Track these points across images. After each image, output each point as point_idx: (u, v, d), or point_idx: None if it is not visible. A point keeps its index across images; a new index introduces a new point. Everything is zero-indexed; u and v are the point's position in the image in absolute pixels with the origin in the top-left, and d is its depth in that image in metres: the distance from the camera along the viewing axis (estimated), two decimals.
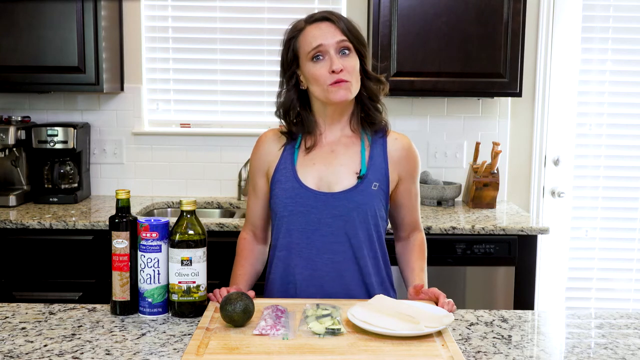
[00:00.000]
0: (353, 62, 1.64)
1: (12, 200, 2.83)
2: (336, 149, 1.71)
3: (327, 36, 1.62)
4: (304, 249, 1.68)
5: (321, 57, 1.63)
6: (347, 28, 1.64)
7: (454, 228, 2.59)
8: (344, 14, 3.11)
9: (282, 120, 1.76)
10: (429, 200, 3.01)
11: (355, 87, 1.65)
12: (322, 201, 1.66)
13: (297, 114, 1.73)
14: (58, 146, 2.92)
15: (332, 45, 1.62)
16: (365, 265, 1.70)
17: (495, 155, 2.96)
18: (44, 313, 1.54)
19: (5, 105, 3.16)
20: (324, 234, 1.67)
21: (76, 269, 2.61)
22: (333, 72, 1.61)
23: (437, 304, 1.56)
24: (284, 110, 1.74)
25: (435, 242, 2.57)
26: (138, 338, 1.40)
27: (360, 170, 1.68)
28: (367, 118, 1.72)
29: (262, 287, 1.79)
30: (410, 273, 1.77)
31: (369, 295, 1.69)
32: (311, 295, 1.66)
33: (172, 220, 1.56)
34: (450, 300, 1.56)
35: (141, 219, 1.54)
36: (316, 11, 3.11)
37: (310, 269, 1.68)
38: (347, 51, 1.64)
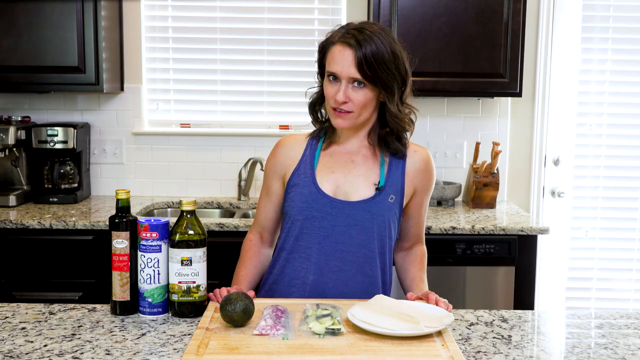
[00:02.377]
0: (363, 96, 1.61)
1: (12, 200, 2.83)
2: (356, 159, 1.72)
3: (343, 66, 1.59)
4: (313, 254, 1.68)
5: (336, 79, 1.62)
6: (367, 61, 1.57)
7: (454, 228, 2.59)
8: (343, 14, 3.13)
9: (310, 115, 1.77)
10: (429, 200, 3.01)
11: (361, 118, 1.65)
12: (338, 209, 1.67)
13: (324, 115, 1.75)
14: (58, 146, 2.92)
15: (345, 77, 1.60)
16: (372, 275, 1.70)
17: (495, 155, 2.96)
18: (44, 313, 1.54)
19: (5, 105, 3.16)
20: (335, 242, 1.67)
21: (76, 269, 2.61)
22: (336, 100, 1.61)
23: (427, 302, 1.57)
24: (310, 105, 1.76)
25: (435, 242, 2.56)
26: (138, 338, 1.40)
27: (379, 181, 1.68)
28: (385, 141, 1.70)
29: (259, 286, 1.79)
30: (410, 283, 1.77)
31: None
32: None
33: (172, 220, 1.56)
34: (445, 300, 1.57)
35: (141, 219, 1.54)
36: (316, 12, 3.15)
37: (316, 274, 1.68)
38: (361, 84, 1.60)
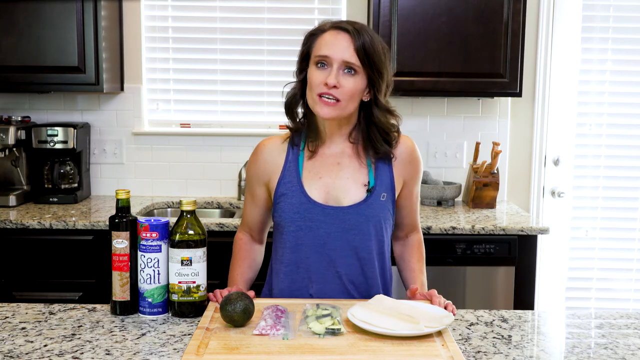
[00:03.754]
0: (354, 84, 1.57)
1: (12, 200, 2.83)
2: (342, 161, 1.68)
3: (337, 49, 1.56)
4: (312, 264, 1.66)
5: (325, 66, 1.58)
6: (365, 48, 1.55)
7: (454, 228, 2.58)
8: (343, 14, 3.13)
9: (287, 115, 1.71)
10: (429, 200, 3.01)
11: (347, 109, 1.60)
12: (331, 215, 1.64)
13: (303, 115, 1.70)
14: (58, 146, 2.92)
15: (338, 61, 1.56)
16: (373, 277, 1.70)
17: (495, 155, 2.96)
18: (44, 313, 1.54)
19: (5, 105, 3.16)
20: (333, 248, 1.65)
21: (76, 269, 2.61)
22: (326, 84, 1.56)
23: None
24: (287, 103, 1.69)
25: (435, 242, 2.57)
26: (138, 338, 1.40)
27: (369, 182, 1.66)
28: (370, 143, 1.66)
29: (260, 288, 1.79)
30: (410, 274, 1.76)
31: None
32: None
33: (172, 220, 1.56)
34: (449, 301, 1.56)
35: (141, 219, 1.54)
36: (316, 12, 3.16)
37: (319, 282, 1.67)
38: (353, 71, 1.57)
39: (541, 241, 2.89)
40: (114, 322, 1.49)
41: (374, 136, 1.65)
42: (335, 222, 1.64)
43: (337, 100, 1.57)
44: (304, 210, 1.64)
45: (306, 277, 1.67)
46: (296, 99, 1.68)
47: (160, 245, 1.52)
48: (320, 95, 1.57)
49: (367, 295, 1.68)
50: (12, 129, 2.82)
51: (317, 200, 1.65)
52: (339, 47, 1.56)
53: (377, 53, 1.58)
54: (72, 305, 1.59)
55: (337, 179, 1.67)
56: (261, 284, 1.81)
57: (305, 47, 1.64)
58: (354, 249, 1.66)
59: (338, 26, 1.59)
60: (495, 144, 2.97)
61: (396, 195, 1.71)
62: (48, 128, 2.92)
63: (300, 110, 1.70)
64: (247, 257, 1.79)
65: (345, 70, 1.57)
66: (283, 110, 1.73)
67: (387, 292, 1.74)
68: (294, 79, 1.69)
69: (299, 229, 1.65)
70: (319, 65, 1.59)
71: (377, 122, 1.64)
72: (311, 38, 1.63)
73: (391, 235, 1.81)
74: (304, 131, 1.71)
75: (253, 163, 1.75)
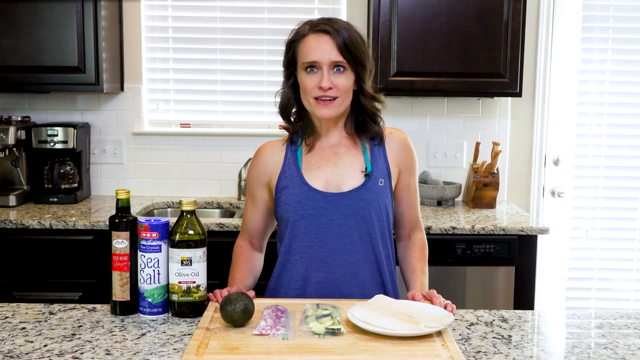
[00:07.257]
0: (345, 80, 1.63)
1: (12, 200, 2.83)
2: (339, 151, 1.72)
3: (323, 52, 1.61)
4: (317, 252, 1.68)
5: (315, 70, 1.63)
6: (346, 44, 1.61)
7: (454, 228, 2.59)
8: (344, 14, 3.13)
9: (283, 119, 1.76)
10: (429, 200, 3.01)
11: (344, 104, 1.66)
12: (332, 202, 1.67)
13: (297, 114, 1.75)
14: (58, 146, 2.92)
15: (326, 63, 1.61)
16: (381, 262, 1.71)
17: (495, 155, 2.96)
18: (44, 313, 1.54)
19: (5, 105, 3.16)
20: (337, 235, 1.67)
21: (76, 269, 2.61)
22: (321, 87, 1.61)
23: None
24: (282, 107, 1.75)
25: (435, 242, 2.56)
26: (138, 338, 1.40)
27: (366, 168, 1.69)
28: (361, 126, 1.73)
29: (262, 287, 1.79)
30: (412, 275, 1.77)
31: (385, 294, 1.69)
32: (327, 297, 1.66)
33: (172, 220, 1.56)
34: (449, 301, 1.56)
35: (141, 219, 1.54)
36: (316, 12, 3.15)
37: (325, 271, 1.68)
38: (341, 68, 1.63)
39: (541, 241, 2.89)
40: (114, 322, 1.49)
41: (364, 120, 1.72)
42: (337, 208, 1.66)
43: (335, 98, 1.63)
44: (306, 199, 1.67)
45: (311, 266, 1.68)
46: (291, 103, 1.73)
47: (160, 245, 1.52)
48: (317, 98, 1.63)
49: (373, 280, 1.70)
50: (12, 129, 2.82)
51: (318, 189, 1.68)
52: (324, 51, 1.61)
53: (358, 45, 1.64)
54: (72, 305, 1.60)
55: (336, 167, 1.70)
56: (261, 284, 1.80)
57: (290, 54, 1.69)
58: (358, 233, 1.68)
59: (318, 29, 1.63)
60: (495, 144, 2.97)
61: (393, 184, 1.73)
62: (48, 128, 2.92)
63: (294, 110, 1.75)
64: (247, 262, 1.79)
65: (335, 69, 1.62)
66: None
67: (393, 281, 1.76)
68: (284, 85, 1.74)
69: (301, 217, 1.67)
70: (308, 70, 1.64)
71: (364, 109, 1.70)
72: (293, 44, 1.68)
73: (394, 234, 1.83)
74: (300, 130, 1.76)
75: (254, 166, 1.79)
